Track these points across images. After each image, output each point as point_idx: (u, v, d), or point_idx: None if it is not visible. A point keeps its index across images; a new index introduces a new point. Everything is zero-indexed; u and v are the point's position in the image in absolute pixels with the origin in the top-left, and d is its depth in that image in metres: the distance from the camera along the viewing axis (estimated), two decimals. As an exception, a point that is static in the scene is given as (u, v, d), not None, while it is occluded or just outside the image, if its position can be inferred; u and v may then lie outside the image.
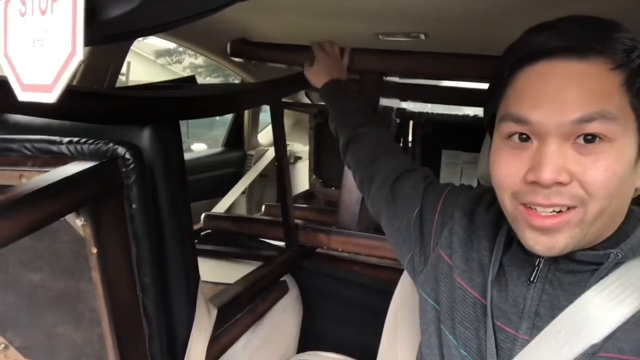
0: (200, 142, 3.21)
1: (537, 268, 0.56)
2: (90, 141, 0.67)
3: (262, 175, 2.31)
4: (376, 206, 0.85)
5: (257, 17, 1.19)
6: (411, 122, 1.95)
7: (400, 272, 0.97)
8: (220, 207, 1.91)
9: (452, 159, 2.05)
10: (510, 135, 0.52)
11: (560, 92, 0.48)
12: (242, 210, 2.22)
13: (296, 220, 1.37)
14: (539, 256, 0.56)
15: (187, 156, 2.19)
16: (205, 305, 0.92)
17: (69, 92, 0.69)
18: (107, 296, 0.68)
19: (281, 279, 1.24)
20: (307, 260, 1.37)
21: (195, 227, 1.50)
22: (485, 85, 1.61)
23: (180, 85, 1.32)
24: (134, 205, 0.68)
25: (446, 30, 1.11)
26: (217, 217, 1.46)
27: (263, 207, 1.92)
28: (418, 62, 1.20)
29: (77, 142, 0.67)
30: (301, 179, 2.57)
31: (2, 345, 0.87)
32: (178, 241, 0.82)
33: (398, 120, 1.94)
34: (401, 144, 2.00)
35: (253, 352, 1.08)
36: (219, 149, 2.26)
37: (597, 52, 0.47)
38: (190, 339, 0.84)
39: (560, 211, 0.49)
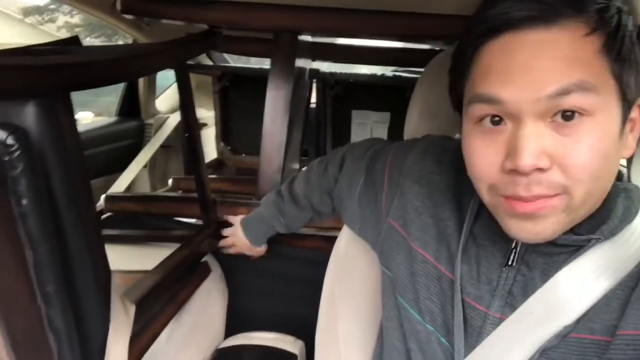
0: (86, 111, 2.87)
1: (514, 251, 0.54)
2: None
3: (164, 146, 2.12)
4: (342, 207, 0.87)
5: None
6: (317, 84, 1.90)
7: (332, 240, 0.93)
8: (120, 185, 1.72)
9: (362, 119, 2.05)
10: (481, 119, 0.48)
11: (530, 65, 0.43)
12: (145, 186, 2.03)
13: (212, 195, 1.27)
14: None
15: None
16: (121, 303, 0.81)
17: None
18: (1, 315, 0.55)
19: (202, 260, 1.14)
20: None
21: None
22: (398, 44, 1.60)
23: (63, 48, 1.12)
24: (24, 202, 0.55)
25: None
26: (119, 197, 1.30)
27: (170, 181, 1.77)
28: (333, 19, 1.13)
29: None
30: (208, 147, 2.42)
31: None
32: (82, 236, 0.70)
33: (309, 81, 1.87)
34: (314, 105, 1.95)
35: (179, 343, 1.00)
36: (112, 118, 2.02)
37: (567, 17, 0.43)
38: (107, 344, 0.74)
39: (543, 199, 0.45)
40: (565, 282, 0.49)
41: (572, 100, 0.42)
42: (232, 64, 2.24)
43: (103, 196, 1.30)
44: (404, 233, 0.64)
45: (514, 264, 0.53)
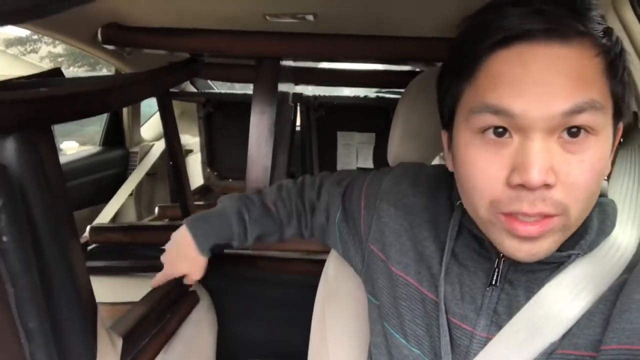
0: (71, 140, 2.84)
1: (497, 270, 0.53)
2: None
3: (150, 174, 2.11)
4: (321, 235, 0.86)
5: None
6: (301, 107, 1.92)
7: (320, 264, 0.93)
8: (106, 215, 1.70)
9: (347, 141, 2.07)
10: (484, 130, 0.46)
11: (544, 79, 0.42)
12: (131, 215, 2.01)
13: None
14: (497, 255, 0.54)
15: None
16: (108, 337, 0.79)
17: None
18: (-21, 356, 0.53)
19: (190, 289, 1.12)
20: (219, 265, 1.27)
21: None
22: (380, 66, 1.63)
23: (44, 80, 1.12)
24: (4, 238, 0.54)
25: (334, 11, 1.07)
26: (105, 228, 1.29)
27: (156, 209, 1.76)
28: (314, 45, 1.15)
29: None
30: (195, 173, 2.41)
31: None
32: (66, 270, 0.69)
33: (293, 105, 1.89)
34: (298, 129, 1.96)
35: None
36: (96, 148, 2.00)
37: (579, 34, 0.43)
38: (95, 380, 0.72)
39: (543, 218, 0.45)
40: (548, 299, 0.49)
41: (583, 119, 0.42)
42: (216, 90, 2.25)
43: (88, 227, 1.28)
44: (383, 257, 0.64)
45: (498, 283, 0.53)
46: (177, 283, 1.07)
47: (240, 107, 1.99)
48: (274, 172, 1.41)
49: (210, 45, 1.15)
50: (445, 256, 0.57)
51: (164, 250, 1.34)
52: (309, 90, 2.01)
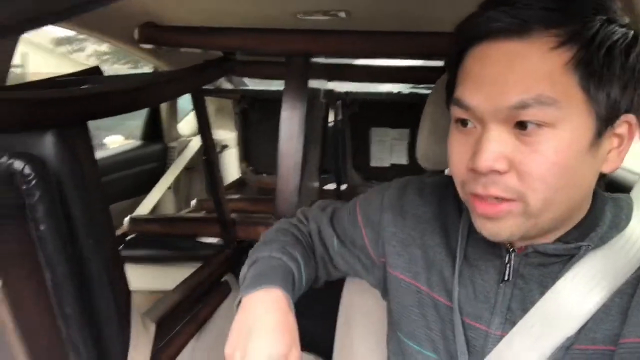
0: (116, 134, 2.96)
1: (508, 265, 0.54)
2: (-21, 156, 0.55)
3: (187, 168, 2.17)
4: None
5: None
6: (334, 103, 1.93)
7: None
8: (145, 207, 1.77)
9: (381, 137, 2.06)
10: (457, 120, 0.51)
11: (497, 76, 0.45)
12: (169, 208, 2.08)
13: (232, 215, 1.29)
14: (507, 250, 0.55)
15: (100, 154, 2.01)
16: (141, 322, 0.83)
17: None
18: (20, 332, 0.58)
19: (222, 279, 1.16)
20: (244, 255, 1.31)
21: (119, 231, 1.38)
22: (410, 62, 1.61)
23: (84, 78, 1.18)
24: (41, 227, 0.58)
25: (366, 8, 1.07)
26: (143, 219, 1.35)
27: (193, 202, 1.81)
28: (344, 41, 1.16)
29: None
30: (231, 167, 2.47)
31: None
32: (101, 258, 0.72)
33: (325, 101, 1.90)
34: (330, 125, 1.97)
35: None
36: (136, 143, 2.08)
37: (541, 29, 0.44)
38: (127, 362, 0.76)
39: (498, 200, 0.48)
40: (562, 293, 0.50)
41: (530, 113, 0.44)
42: (250, 87, 2.29)
43: (127, 218, 1.34)
44: (392, 267, 0.65)
45: (510, 278, 0.54)
46: (210, 272, 1.11)
47: (274, 104, 2.00)
48: (305, 168, 1.43)
49: (241, 43, 1.18)
50: (458, 257, 0.58)
51: (199, 242, 1.40)
52: (342, 86, 2.02)
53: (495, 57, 0.46)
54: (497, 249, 0.56)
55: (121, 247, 1.38)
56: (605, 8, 0.45)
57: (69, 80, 1.13)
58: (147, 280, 1.16)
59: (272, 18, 1.11)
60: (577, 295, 0.49)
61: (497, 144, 0.46)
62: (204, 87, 2.14)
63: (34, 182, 0.56)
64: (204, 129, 1.13)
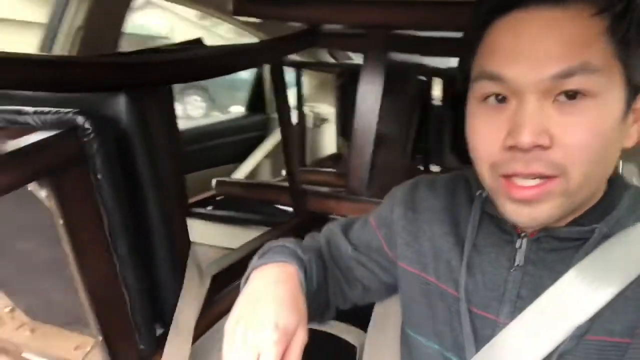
0: (239, 105, 3.20)
1: (518, 250, 0.52)
2: (54, 111, 0.65)
3: (286, 139, 2.28)
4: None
5: None
6: (436, 80, 1.85)
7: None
8: (241, 172, 1.91)
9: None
10: (485, 97, 0.47)
11: (536, 44, 0.43)
12: (265, 174, 2.21)
13: (305, 186, 1.34)
14: (518, 235, 0.53)
15: (206, 121, 2.20)
16: (197, 272, 0.92)
17: (40, 62, 0.68)
18: (79, 266, 0.68)
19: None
20: (319, 227, 1.34)
21: (210, 193, 1.51)
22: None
23: (185, 47, 1.29)
24: (99, 176, 0.67)
25: None
26: (227, 182, 1.46)
27: (283, 171, 1.90)
28: (428, 13, 1.10)
29: (41, 113, 0.66)
30: (329, 141, 2.52)
31: (9, 308, 0.92)
32: (162, 210, 0.81)
33: (425, 79, 1.83)
34: (424, 106, 1.90)
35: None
36: (241, 113, 2.24)
37: None
38: (178, 306, 0.85)
39: (541, 180, 0.45)
40: (576, 280, 0.47)
41: (576, 82, 0.42)
42: (352, 61, 2.29)
43: (214, 180, 1.46)
44: (401, 260, 0.64)
45: (520, 264, 0.52)
46: (273, 237, 1.17)
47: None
48: (396, 146, 1.41)
49: (324, 15, 1.19)
50: (467, 245, 0.56)
51: (276, 208, 1.47)
52: (444, 62, 1.92)
53: (530, 25, 0.44)
54: (508, 235, 0.54)
55: (210, 207, 1.52)
56: None
57: (172, 49, 1.25)
58: (220, 237, 1.26)
59: None
60: (592, 283, 0.46)
61: (539, 117, 0.43)
62: (303, 60, 2.21)
63: (92, 135, 0.64)
64: (281, 101, 1.18)
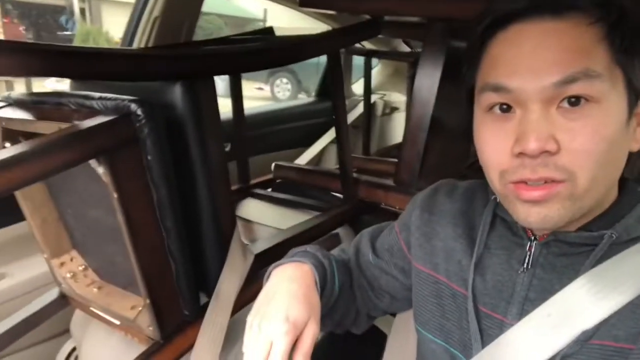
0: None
1: (528, 253, 0.53)
2: (114, 98, 0.74)
3: (354, 126, 2.30)
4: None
5: None
6: None
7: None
8: (306, 157, 1.97)
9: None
10: (491, 107, 0.49)
11: (536, 54, 0.45)
12: (331, 161, 2.26)
13: (359, 175, 1.36)
14: (529, 239, 0.54)
15: (279, 106, 2.28)
16: (241, 249, 0.99)
17: (99, 55, 0.77)
18: (131, 235, 0.77)
19: (334, 232, 1.26)
20: (368, 215, 1.37)
21: (269, 175, 1.59)
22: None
23: (254, 37, 1.37)
24: (149, 157, 0.75)
25: None
26: (284, 167, 1.52)
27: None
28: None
29: (105, 99, 0.75)
30: (398, 130, 2.51)
31: (83, 266, 1.05)
32: (206, 188, 0.89)
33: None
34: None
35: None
36: (311, 99, 2.29)
37: (570, 6, 0.44)
38: (220, 278, 0.93)
39: (549, 182, 0.46)
40: (584, 288, 0.47)
41: (578, 87, 0.44)
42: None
43: (273, 164, 1.53)
44: (415, 259, 0.65)
45: (530, 267, 0.53)
46: (321, 222, 1.22)
47: (445, 69, 1.96)
48: (449, 138, 1.38)
49: (385, 6, 1.19)
50: (478, 245, 0.57)
51: (332, 195, 1.51)
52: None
53: (530, 37, 0.46)
54: (519, 237, 0.55)
55: (270, 189, 1.60)
56: None
57: (242, 38, 1.33)
58: (274, 218, 1.33)
59: None
60: (601, 290, 0.47)
61: (545, 124, 0.45)
62: (377, 48, 2.21)
63: (143, 121, 0.72)
64: (336, 91, 1.21)
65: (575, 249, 0.51)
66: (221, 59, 0.90)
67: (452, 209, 0.63)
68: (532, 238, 0.54)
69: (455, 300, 0.59)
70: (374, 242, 0.74)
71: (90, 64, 0.72)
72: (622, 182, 0.52)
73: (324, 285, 0.63)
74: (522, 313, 0.52)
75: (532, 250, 0.53)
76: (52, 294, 1.06)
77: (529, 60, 0.45)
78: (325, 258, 0.66)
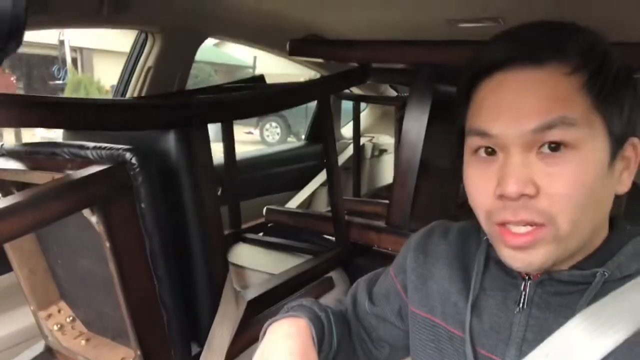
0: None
1: (523, 293, 0.53)
2: (108, 147, 0.75)
3: (344, 168, 2.32)
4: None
5: (320, 12, 1.21)
6: None
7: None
8: (297, 200, 1.97)
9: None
10: (476, 150, 0.51)
11: (516, 102, 0.47)
12: (321, 203, 2.26)
13: (350, 217, 1.37)
14: (523, 279, 0.54)
15: (269, 150, 2.30)
16: (233, 295, 0.97)
17: (94, 105, 0.79)
18: (122, 285, 0.76)
19: (327, 275, 1.25)
20: (361, 257, 1.36)
21: (261, 220, 1.59)
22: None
23: (246, 85, 1.40)
24: (142, 205, 0.75)
25: (523, 15, 1.01)
26: (276, 210, 1.52)
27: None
28: (468, 52, 1.11)
29: (99, 148, 0.76)
30: (386, 171, 2.54)
31: (71, 318, 1.03)
32: (199, 235, 0.89)
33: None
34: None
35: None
36: (301, 142, 2.32)
37: (552, 57, 0.46)
38: (212, 327, 0.91)
39: (531, 227, 0.48)
40: (582, 326, 0.47)
41: (556, 134, 0.45)
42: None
43: (265, 208, 1.54)
44: (411, 303, 0.65)
45: (525, 307, 0.53)
46: (314, 266, 1.21)
47: (432, 112, 2.01)
48: (443, 176, 1.40)
49: (371, 55, 1.24)
50: (473, 287, 0.57)
51: (325, 238, 1.51)
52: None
53: (511, 85, 0.48)
54: (513, 278, 0.55)
55: (262, 233, 1.59)
56: (597, 41, 0.48)
57: (233, 87, 1.36)
58: (266, 263, 1.31)
59: (423, 27, 1.15)
60: (597, 329, 0.47)
61: (524, 168, 0.47)
62: (364, 94, 2.27)
63: (137, 170, 0.73)
64: (326, 134, 1.23)
65: (569, 288, 0.51)
66: (215, 107, 0.92)
67: (447, 251, 0.64)
68: (527, 277, 0.54)
69: (453, 344, 0.58)
70: (370, 289, 0.73)
71: (86, 115, 0.73)
72: (612, 220, 0.53)
73: (321, 340, 0.61)
74: (521, 354, 0.52)
75: (527, 289, 0.53)
76: (37, 348, 1.03)
77: (509, 107, 0.47)
78: (322, 311, 0.65)
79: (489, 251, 0.58)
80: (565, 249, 0.48)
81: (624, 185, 0.50)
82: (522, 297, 0.53)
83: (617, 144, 0.47)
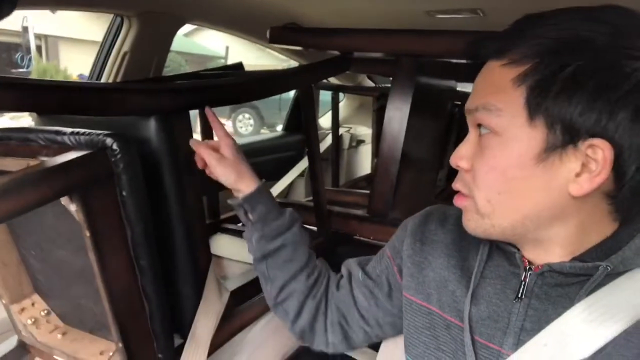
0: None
1: (523, 283, 0.54)
2: (87, 132, 0.72)
3: (322, 159, 2.32)
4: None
5: (302, 0, 1.19)
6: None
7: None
8: (276, 190, 1.96)
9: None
10: None
11: (474, 86, 0.54)
12: (300, 193, 2.25)
13: (330, 206, 1.36)
14: (525, 269, 0.54)
15: (246, 140, 2.27)
16: (216, 286, 0.96)
17: (73, 88, 0.75)
18: (102, 276, 0.73)
19: (309, 265, 1.24)
20: (343, 247, 1.36)
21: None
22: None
23: (225, 72, 1.37)
24: (124, 193, 0.72)
25: (501, 7, 1.02)
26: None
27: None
28: (454, 43, 1.12)
29: (77, 134, 0.72)
30: (365, 162, 2.54)
31: (46, 311, 0.99)
32: (182, 225, 0.86)
33: (457, 104, 1.83)
34: (460, 131, 1.89)
35: (271, 333, 1.11)
36: (279, 133, 2.30)
37: (502, 51, 0.50)
38: (195, 318, 0.89)
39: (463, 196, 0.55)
40: (581, 317, 0.48)
41: (477, 117, 0.52)
42: (388, 85, 2.32)
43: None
44: (406, 289, 0.66)
45: (524, 296, 0.53)
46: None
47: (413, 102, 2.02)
48: (425, 167, 1.41)
49: (354, 43, 1.23)
50: (474, 277, 0.57)
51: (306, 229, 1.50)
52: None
53: (481, 72, 0.54)
54: (515, 267, 0.56)
55: (240, 223, 1.57)
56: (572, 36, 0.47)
57: (212, 73, 1.33)
58: (245, 253, 1.30)
59: (403, 17, 1.14)
60: (596, 320, 0.47)
61: (466, 144, 0.54)
62: (343, 84, 2.26)
63: (119, 156, 0.70)
64: (308, 122, 1.22)
65: (570, 279, 0.51)
66: (198, 93, 0.89)
67: (445, 240, 0.64)
68: (528, 268, 0.54)
69: (450, 332, 0.59)
70: (363, 266, 0.77)
71: (64, 98, 0.70)
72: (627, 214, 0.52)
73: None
74: (519, 343, 0.52)
75: (527, 280, 0.54)
76: (10, 343, 0.98)
77: (473, 90, 0.54)
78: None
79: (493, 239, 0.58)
80: (492, 225, 0.52)
81: (581, 188, 0.47)
82: (522, 287, 0.54)
83: (559, 140, 0.46)
